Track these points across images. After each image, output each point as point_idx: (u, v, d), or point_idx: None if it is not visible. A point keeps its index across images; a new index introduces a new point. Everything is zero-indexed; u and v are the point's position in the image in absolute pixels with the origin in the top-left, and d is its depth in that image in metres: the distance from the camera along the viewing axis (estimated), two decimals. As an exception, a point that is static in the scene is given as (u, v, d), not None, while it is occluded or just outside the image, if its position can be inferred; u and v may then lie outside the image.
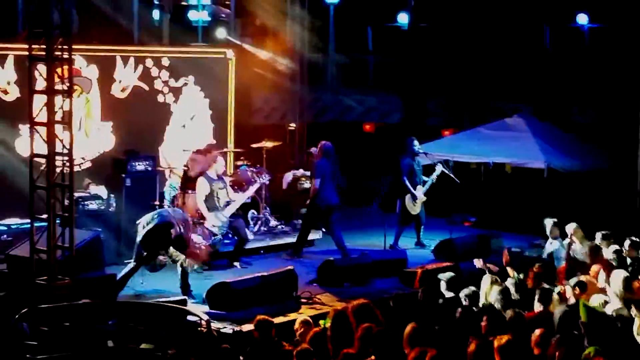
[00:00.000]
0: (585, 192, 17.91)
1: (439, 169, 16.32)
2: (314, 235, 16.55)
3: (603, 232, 13.21)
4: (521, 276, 11.86)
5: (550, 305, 10.20)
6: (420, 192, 16.17)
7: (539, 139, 18.64)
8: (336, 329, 9.23)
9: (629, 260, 12.48)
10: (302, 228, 15.70)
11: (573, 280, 10.96)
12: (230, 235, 14.93)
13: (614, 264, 11.98)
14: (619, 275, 10.74)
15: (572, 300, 10.59)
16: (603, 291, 10.80)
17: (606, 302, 10.11)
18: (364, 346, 8.64)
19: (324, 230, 16.73)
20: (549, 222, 14.06)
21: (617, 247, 12.53)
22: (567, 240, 13.59)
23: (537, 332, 8.74)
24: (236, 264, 14.55)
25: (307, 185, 17.17)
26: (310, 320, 9.59)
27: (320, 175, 15.22)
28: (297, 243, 15.52)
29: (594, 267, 11.72)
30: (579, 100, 21.60)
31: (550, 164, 17.77)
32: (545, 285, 10.80)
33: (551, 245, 14.01)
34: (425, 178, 16.30)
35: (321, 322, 9.55)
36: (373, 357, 8.22)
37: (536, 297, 10.25)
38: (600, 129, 20.23)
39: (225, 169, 15.06)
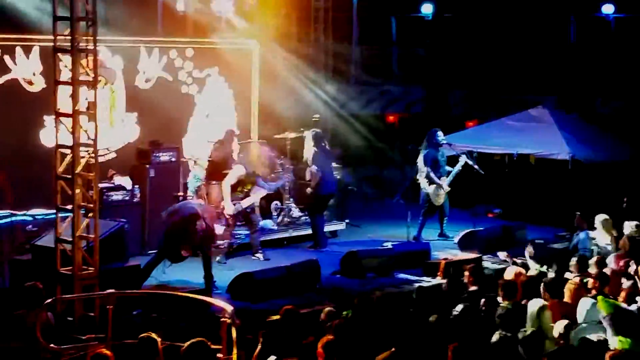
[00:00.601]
0: (609, 183, 17.80)
1: (463, 159, 16.26)
2: (337, 227, 16.56)
3: (634, 222, 13.18)
4: (544, 268, 11.83)
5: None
6: (444, 183, 16.12)
7: (563, 130, 18.55)
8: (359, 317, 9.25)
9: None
10: (312, 219, 15.66)
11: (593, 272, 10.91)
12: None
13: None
14: None
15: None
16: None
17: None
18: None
19: (347, 221, 16.77)
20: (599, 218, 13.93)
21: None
22: (595, 233, 13.56)
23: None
24: (258, 255, 14.46)
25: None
26: (344, 312, 9.60)
27: (319, 163, 15.23)
28: (315, 235, 15.50)
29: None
30: (603, 91, 21.47)
31: (574, 155, 17.69)
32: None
33: (577, 237, 13.96)
34: (449, 169, 16.24)
35: (344, 312, 9.55)
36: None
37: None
38: (624, 120, 20.10)
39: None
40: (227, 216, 14.29)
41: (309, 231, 15.95)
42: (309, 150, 15.45)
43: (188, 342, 7.64)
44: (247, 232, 14.76)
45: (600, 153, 18.20)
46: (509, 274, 10.92)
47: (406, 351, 8.35)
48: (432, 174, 15.98)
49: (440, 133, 16.25)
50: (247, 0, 18.61)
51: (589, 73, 21.47)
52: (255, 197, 14.57)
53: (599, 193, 17.34)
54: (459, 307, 9.67)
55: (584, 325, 9.24)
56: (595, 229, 13.83)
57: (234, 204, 14.21)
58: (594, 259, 11.71)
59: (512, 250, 14.40)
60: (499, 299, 9.98)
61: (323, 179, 15.28)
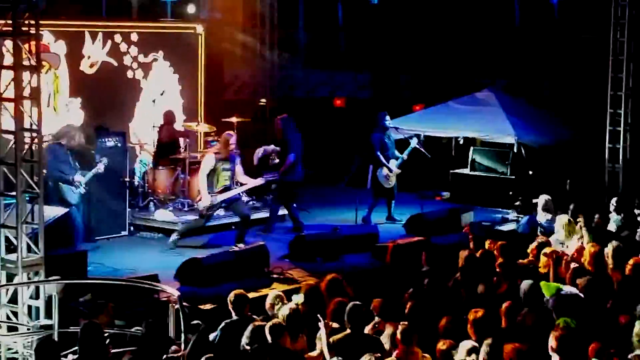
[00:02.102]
0: (554, 166, 17.98)
1: (414, 143, 16.33)
2: (285, 211, 16.54)
3: (573, 204, 13.31)
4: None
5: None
6: (393, 165, 16.19)
7: (508, 113, 18.68)
8: (309, 304, 9.26)
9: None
10: (275, 204, 15.66)
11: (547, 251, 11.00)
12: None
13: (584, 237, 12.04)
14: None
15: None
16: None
17: None
18: (337, 320, 8.69)
19: (296, 205, 16.75)
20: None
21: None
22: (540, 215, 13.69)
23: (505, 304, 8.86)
24: (240, 245, 13.91)
25: (278, 160, 17.11)
26: (283, 295, 9.59)
27: (296, 149, 15.22)
28: (271, 219, 15.48)
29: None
30: (549, 74, 21.64)
31: (519, 139, 17.83)
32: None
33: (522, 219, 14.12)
34: (398, 154, 16.30)
35: (294, 297, 9.53)
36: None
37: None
38: (569, 103, 20.30)
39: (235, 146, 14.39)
40: (201, 209, 14.13)
41: (258, 215, 15.88)
42: (284, 136, 15.32)
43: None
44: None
45: (545, 136, 18.36)
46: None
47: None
48: (380, 157, 16.03)
49: (387, 117, 16.30)
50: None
51: (535, 56, 21.61)
52: (234, 191, 14.33)
53: (544, 176, 17.51)
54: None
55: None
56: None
57: (211, 196, 14.03)
58: (538, 241, 11.82)
59: (459, 234, 14.58)
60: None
61: (296, 166, 15.25)
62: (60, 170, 13.54)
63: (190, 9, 18.76)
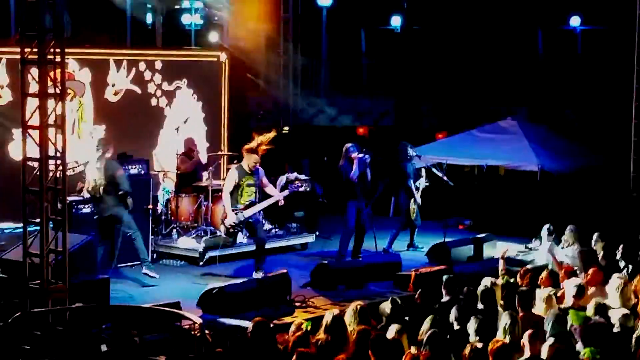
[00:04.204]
0: (578, 193, 17.91)
1: (424, 172, 16.37)
2: (307, 239, 16.55)
3: (597, 233, 13.24)
4: (512, 280, 11.85)
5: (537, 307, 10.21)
6: (418, 196, 16.23)
7: (531, 141, 18.65)
8: (332, 333, 9.21)
9: (622, 264, 12.49)
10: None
11: (573, 283, 10.90)
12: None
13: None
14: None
15: (568, 303, 10.55)
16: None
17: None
18: (361, 349, 8.64)
19: (317, 233, 16.76)
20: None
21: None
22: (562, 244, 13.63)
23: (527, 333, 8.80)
24: (261, 273, 13.78)
25: (301, 188, 17.11)
26: (304, 324, 9.55)
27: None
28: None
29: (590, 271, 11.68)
30: (572, 102, 21.62)
31: (543, 167, 17.78)
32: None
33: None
34: (416, 184, 16.32)
35: (303, 325, 9.46)
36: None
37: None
38: (593, 130, 20.25)
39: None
40: (228, 226, 14.11)
41: (280, 244, 15.94)
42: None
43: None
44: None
45: (568, 164, 18.30)
46: (485, 283, 10.92)
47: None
48: (412, 187, 16.06)
49: (409, 147, 16.30)
50: (216, 13, 18.63)
51: (558, 84, 21.62)
52: (260, 206, 14.20)
53: (567, 204, 17.43)
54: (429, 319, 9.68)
55: (551, 339, 9.25)
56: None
57: (236, 213, 13.99)
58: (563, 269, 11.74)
59: (482, 263, 14.53)
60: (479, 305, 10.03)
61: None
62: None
63: (214, 37, 18.90)
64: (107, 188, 13.46)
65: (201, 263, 14.63)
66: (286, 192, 14.61)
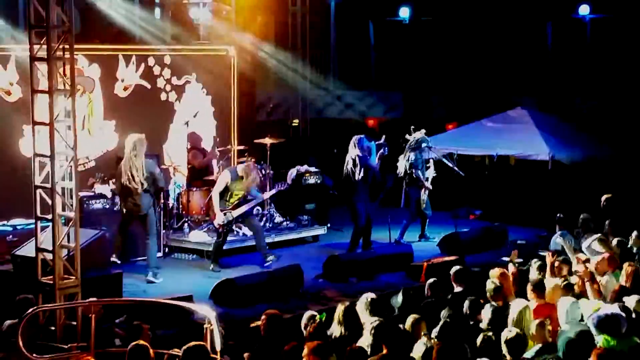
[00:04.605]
0: (589, 183, 17.87)
1: (432, 163, 16.38)
2: (319, 231, 16.57)
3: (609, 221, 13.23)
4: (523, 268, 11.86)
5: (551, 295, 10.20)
6: (428, 184, 16.22)
7: (542, 130, 18.63)
8: (346, 324, 9.21)
9: (635, 250, 12.47)
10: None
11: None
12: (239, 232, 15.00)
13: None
14: None
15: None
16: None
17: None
18: (376, 340, 8.64)
19: (329, 225, 16.79)
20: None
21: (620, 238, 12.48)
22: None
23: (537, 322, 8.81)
24: (270, 258, 14.30)
25: (311, 180, 17.17)
26: (318, 316, 9.56)
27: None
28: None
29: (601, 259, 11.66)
30: (581, 91, 21.57)
31: (554, 156, 17.75)
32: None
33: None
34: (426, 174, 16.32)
35: (317, 317, 9.48)
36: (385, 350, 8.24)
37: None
38: (603, 119, 20.20)
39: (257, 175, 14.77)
40: (217, 225, 14.21)
41: (291, 236, 15.99)
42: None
43: (186, 347, 7.58)
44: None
45: (579, 153, 18.26)
46: (494, 274, 10.91)
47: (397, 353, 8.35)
48: (421, 177, 16.04)
49: (422, 137, 16.26)
50: (225, 7, 18.61)
51: (568, 73, 21.56)
52: (248, 205, 14.46)
53: (579, 193, 17.40)
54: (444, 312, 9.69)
55: (566, 326, 9.25)
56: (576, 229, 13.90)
57: (224, 213, 14.16)
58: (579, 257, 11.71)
59: (495, 252, 14.55)
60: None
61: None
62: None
63: (223, 31, 18.86)
64: (146, 186, 13.52)
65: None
66: (273, 191, 15.10)
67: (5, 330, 9.60)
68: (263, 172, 15.82)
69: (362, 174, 15.04)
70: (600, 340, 8.61)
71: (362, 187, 15.15)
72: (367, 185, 15.25)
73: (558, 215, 14.16)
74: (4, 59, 14.70)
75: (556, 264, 11.39)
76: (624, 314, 9.00)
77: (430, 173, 16.34)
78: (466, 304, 9.89)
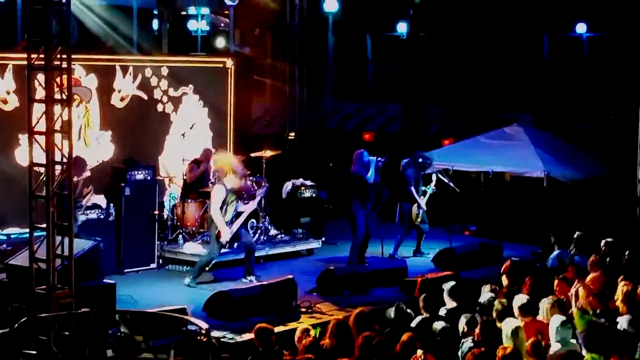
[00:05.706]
0: (585, 200, 17.89)
1: (435, 178, 16.36)
2: (314, 245, 16.57)
3: (606, 240, 13.23)
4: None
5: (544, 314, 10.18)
6: (422, 202, 16.20)
7: (538, 148, 18.63)
8: (337, 339, 9.21)
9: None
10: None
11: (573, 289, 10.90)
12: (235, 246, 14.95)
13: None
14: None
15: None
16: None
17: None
18: (365, 355, 8.64)
19: (324, 239, 16.79)
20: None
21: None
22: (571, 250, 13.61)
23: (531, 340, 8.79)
24: (251, 277, 14.04)
25: (306, 194, 17.16)
26: (311, 329, 9.56)
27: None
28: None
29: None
30: (578, 108, 21.60)
31: (549, 173, 17.76)
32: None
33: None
34: (424, 188, 16.31)
35: (312, 332, 9.47)
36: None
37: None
38: (599, 137, 20.23)
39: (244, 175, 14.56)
40: (225, 242, 14.04)
41: (286, 249, 15.98)
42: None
43: None
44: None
45: (575, 171, 18.28)
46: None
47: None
48: (414, 192, 16.04)
49: (421, 156, 16.31)
50: (222, 19, 18.67)
51: (564, 91, 21.61)
52: (242, 218, 14.34)
53: (574, 210, 17.41)
54: (439, 325, 9.66)
55: (556, 344, 9.23)
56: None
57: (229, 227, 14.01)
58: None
59: (489, 269, 14.54)
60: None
61: None
62: None
63: (220, 43, 18.93)
64: None
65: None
66: (258, 197, 15.16)
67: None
68: (263, 184, 15.73)
69: (361, 189, 15.05)
70: (587, 357, 8.59)
71: (362, 202, 15.16)
72: (367, 200, 15.25)
73: (558, 232, 14.17)
74: (2, 68, 14.70)
75: (556, 282, 11.40)
76: (612, 332, 9.01)
77: (431, 188, 16.32)
78: (462, 321, 9.86)
